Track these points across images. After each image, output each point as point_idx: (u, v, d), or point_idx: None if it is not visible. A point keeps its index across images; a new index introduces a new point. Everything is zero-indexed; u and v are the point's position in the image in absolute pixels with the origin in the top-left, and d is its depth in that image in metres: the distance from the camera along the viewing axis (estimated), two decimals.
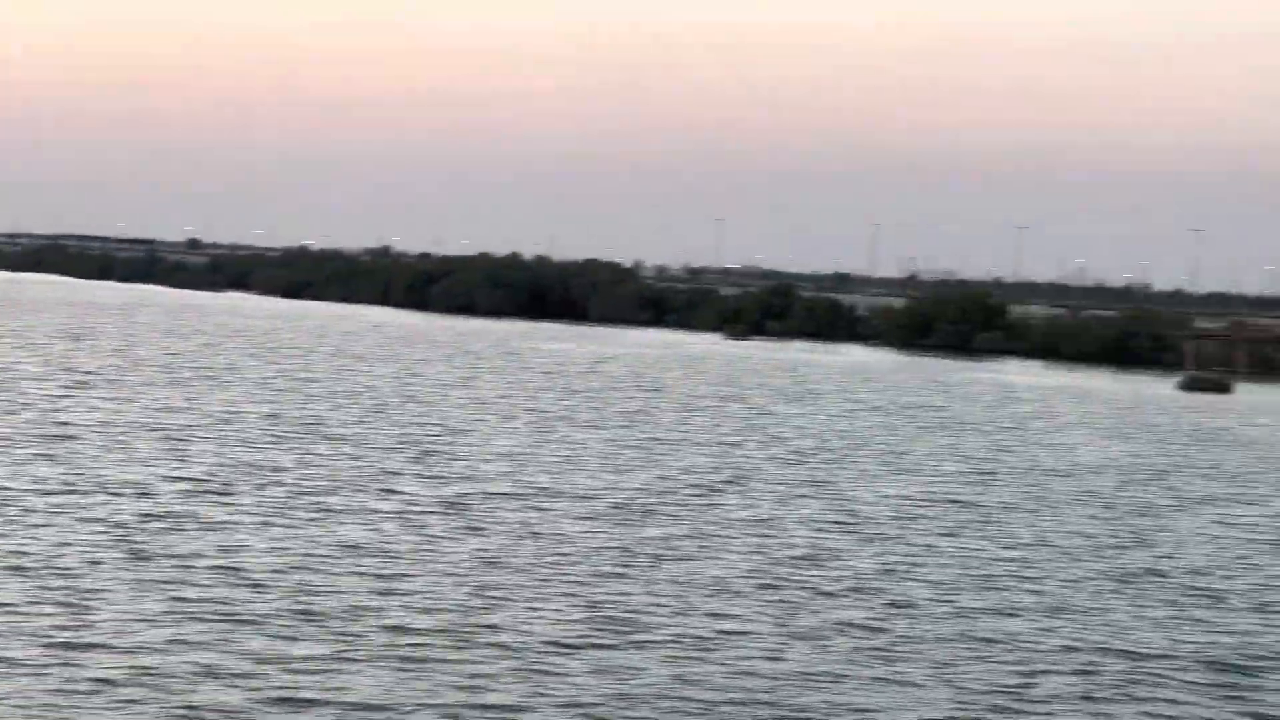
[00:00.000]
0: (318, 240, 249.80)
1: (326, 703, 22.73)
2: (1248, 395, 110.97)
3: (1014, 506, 44.95)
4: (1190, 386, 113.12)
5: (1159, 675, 27.09)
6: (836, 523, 40.22)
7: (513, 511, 38.81)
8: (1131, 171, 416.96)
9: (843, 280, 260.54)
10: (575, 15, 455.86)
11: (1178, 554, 38.83)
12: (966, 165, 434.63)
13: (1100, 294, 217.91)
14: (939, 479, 50.12)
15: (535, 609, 28.90)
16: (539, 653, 25.99)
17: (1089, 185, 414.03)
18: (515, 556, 33.36)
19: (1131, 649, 28.73)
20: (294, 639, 25.83)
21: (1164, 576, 35.89)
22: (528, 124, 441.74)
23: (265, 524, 35.17)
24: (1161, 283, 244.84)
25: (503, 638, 26.76)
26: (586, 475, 45.84)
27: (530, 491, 42.11)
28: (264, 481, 41.01)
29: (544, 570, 32.17)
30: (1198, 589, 34.68)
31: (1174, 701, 25.64)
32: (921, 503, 44.49)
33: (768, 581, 32.51)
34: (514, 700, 23.40)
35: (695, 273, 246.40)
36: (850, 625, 29.15)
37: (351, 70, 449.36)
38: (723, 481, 46.30)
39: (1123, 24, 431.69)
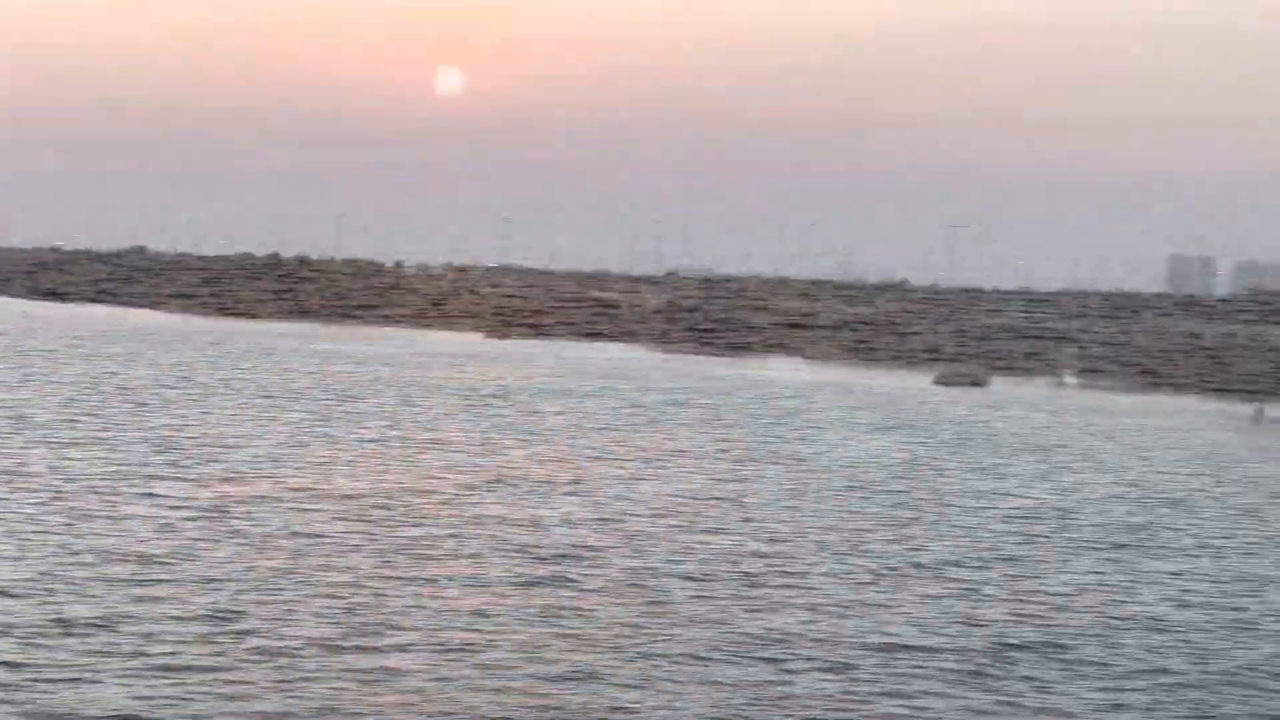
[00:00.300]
0: (68, 241, 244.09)
1: (79, 714, 22.25)
2: (1002, 389, 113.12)
3: (775, 502, 45.33)
4: (947, 381, 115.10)
5: (916, 667, 27.45)
6: (599, 520, 40.26)
7: (272, 514, 38.35)
8: (893, 167, 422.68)
9: (601, 277, 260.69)
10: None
11: (934, 546, 39.40)
12: (726, 161, 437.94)
13: (859, 289, 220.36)
14: (701, 475, 50.42)
15: (294, 612, 28.57)
16: (297, 657, 25.69)
17: (852, 182, 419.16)
18: (274, 560, 32.96)
19: (889, 642, 29.08)
20: (46, 648, 25.27)
21: (921, 568, 36.39)
22: (286, 121, 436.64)
23: (13, 531, 34.38)
24: (918, 278, 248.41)
25: (260, 642, 26.42)
26: (347, 476, 45.46)
27: (289, 493, 41.66)
28: (14, 486, 40.11)
29: (303, 573, 31.82)
30: (954, 580, 35.22)
31: (929, 693, 25.98)
32: (683, 499, 44.70)
33: (530, 581, 32.45)
34: (272, 707, 23.10)
35: (460, 271, 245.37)
36: (612, 623, 29.18)
37: (105, 64, 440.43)
38: (484, 481, 46.16)
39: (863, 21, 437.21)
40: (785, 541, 38.87)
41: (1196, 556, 40.21)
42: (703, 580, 33.54)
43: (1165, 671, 28.21)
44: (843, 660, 27.57)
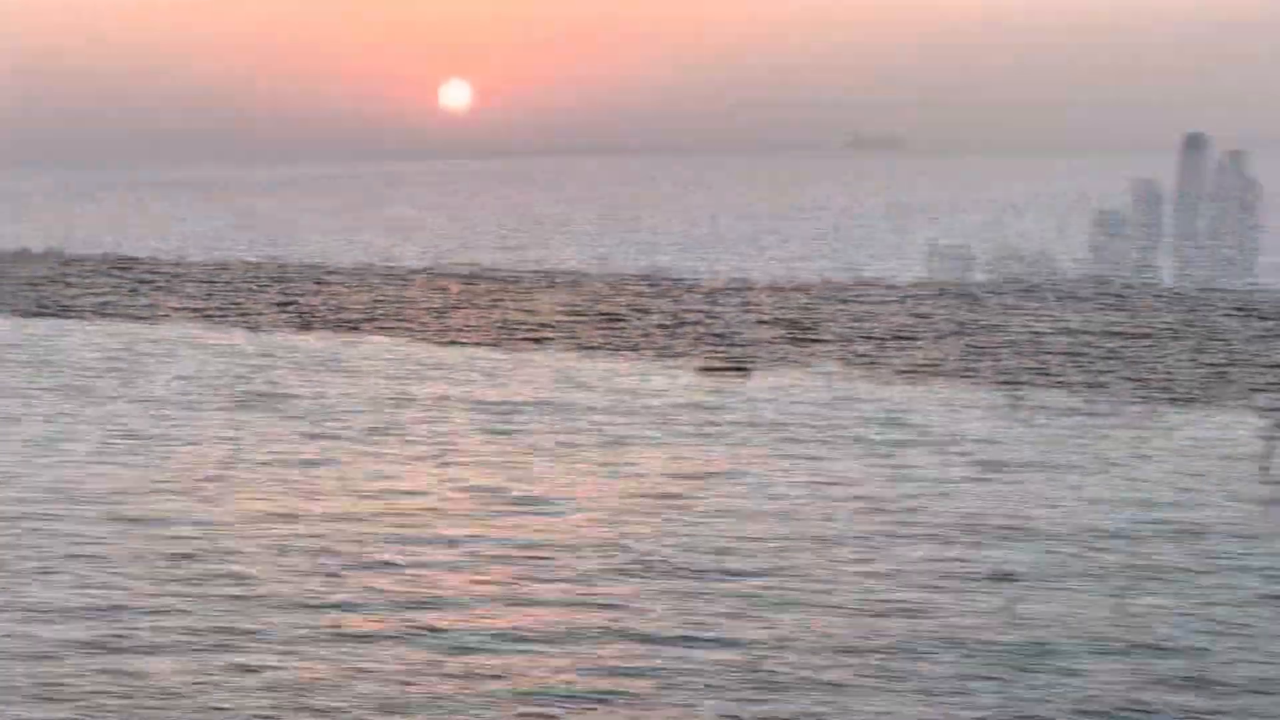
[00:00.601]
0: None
1: None
2: (769, 379, 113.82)
3: (544, 496, 45.15)
4: (709, 369, 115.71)
5: (694, 669, 27.52)
6: (365, 509, 39.95)
7: (23, 513, 37.65)
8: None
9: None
10: None
11: (699, 541, 39.31)
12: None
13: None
14: (487, 466, 50.14)
15: (49, 614, 28.07)
16: (52, 659, 25.26)
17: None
18: (27, 563, 32.37)
19: (653, 635, 29.13)
20: None
21: (688, 568, 36.28)
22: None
23: None
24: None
25: (14, 645, 25.95)
26: (104, 475, 44.65)
27: (42, 493, 40.87)
28: None
29: (61, 576, 31.28)
30: (728, 571, 35.25)
31: (706, 694, 26.09)
32: (458, 490, 44.41)
33: (294, 575, 32.19)
34: (27, 711, 22.70)
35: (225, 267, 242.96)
36: (385, 616, 29.01)
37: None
38: (247, 477, 45.60)
39: None
40: (557, 534, 38.71)
41: (949, 542, 40.57)
42: (473, 574, 33.42)
43: (925, 658, 28.58)
44: (630, 662, 27.55)
